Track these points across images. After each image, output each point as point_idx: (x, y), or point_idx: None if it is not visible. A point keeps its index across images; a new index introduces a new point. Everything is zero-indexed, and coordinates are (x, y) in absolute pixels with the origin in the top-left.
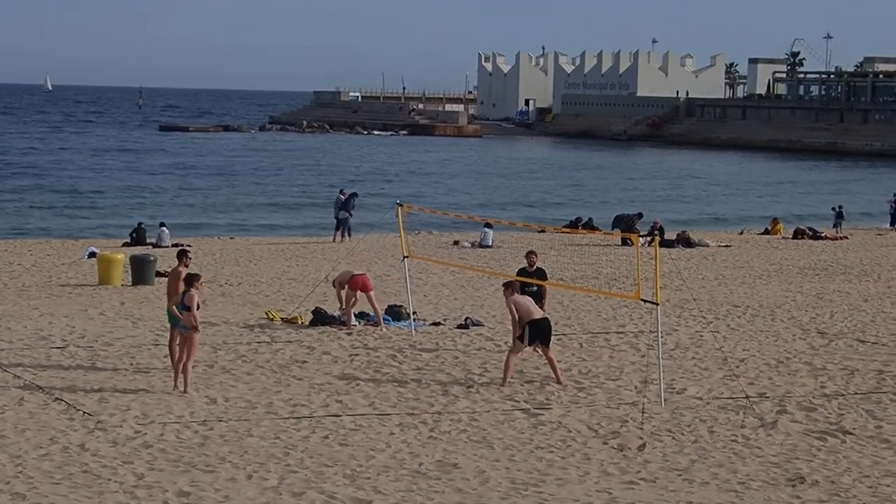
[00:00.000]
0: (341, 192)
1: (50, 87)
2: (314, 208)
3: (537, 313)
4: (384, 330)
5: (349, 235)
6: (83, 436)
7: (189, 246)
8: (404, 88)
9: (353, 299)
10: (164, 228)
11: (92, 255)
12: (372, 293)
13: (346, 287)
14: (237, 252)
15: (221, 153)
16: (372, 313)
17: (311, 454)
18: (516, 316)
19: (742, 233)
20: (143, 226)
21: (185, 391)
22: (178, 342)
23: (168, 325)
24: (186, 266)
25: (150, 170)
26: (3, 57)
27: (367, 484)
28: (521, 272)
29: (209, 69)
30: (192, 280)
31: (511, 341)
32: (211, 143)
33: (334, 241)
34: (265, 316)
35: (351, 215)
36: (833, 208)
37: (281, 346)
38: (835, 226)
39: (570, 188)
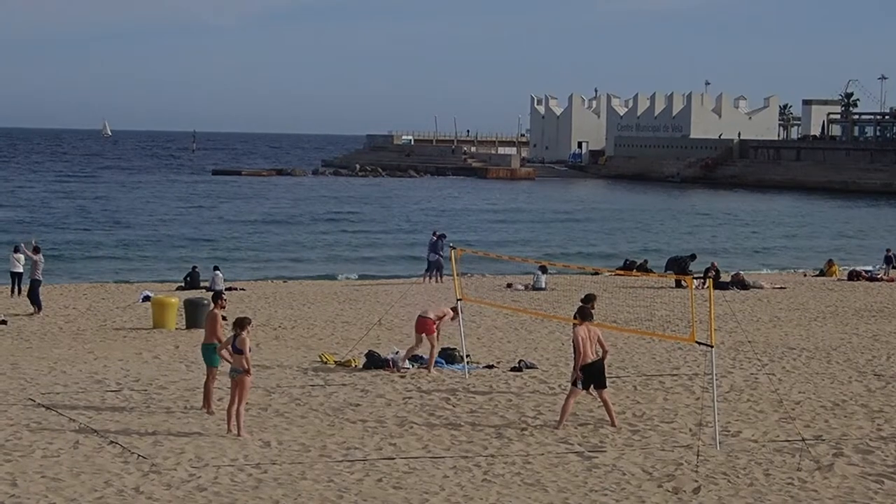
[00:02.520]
0: (434, 233)
1: (109, 133)
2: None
3: (591, 356)
4: (432, 373)
5: (440, 278)
6: (138, 479)
7: (242, 289)
8: (467, 132)
9: (418, 340)
10: (217, 272)
11: (146, 298)
12: (431, 336)
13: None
14: (291, 295)
15: (276, 197)
16: (426, 356)
17: (364, 497)
18: (579, 349)
19: (806, 274)
20: (197, 269)
21: (238, 434)
22: (212, 383)
23: (204, 364)
24: (222, 308)
25: (204, 214)
26: (63, 103)
27: None
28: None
29: (261, 113)
30: (243, 323)
31: (567, 382)
32: (265, 187)
33: (423, 281)
34: (319, 359)
35: (442, 256)
36: (888, 251)
37: (335, 390)
38: (887, 269)
39: (624, 231)
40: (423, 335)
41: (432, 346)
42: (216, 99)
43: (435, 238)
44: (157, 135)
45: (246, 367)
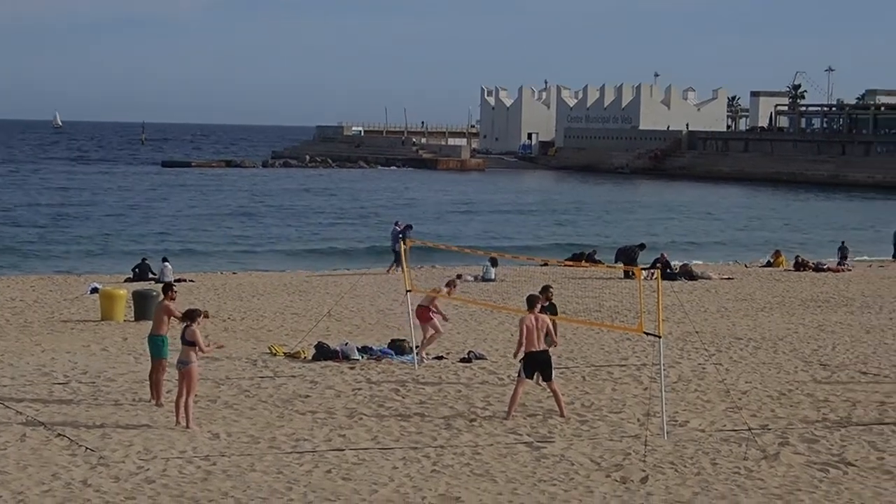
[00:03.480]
0: (396, 223)
1: (60, 123)
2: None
3: (536, 345)
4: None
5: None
6: (85, 472)
7: (191, 280)
8: (422, 123)
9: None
10: (166, 264)
11: (94, 290)
12: (425, 325)
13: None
14: (240, 287)
15: (226, 189)
16: (375, 347)
17: (313, 489)
18: (521, 338)
19: (746, 266)
20: (146, 261)
21: (187, 426)
22: (160, 375)
23: (149, 355)
24: (172, 299)
25: (153, 205)
26: (13, 93)
27: None
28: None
29: (211, 104)
30: (193, 315)
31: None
32: (215, 178)
33: (388, 272)
34: (268, 350)
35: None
36: (843, 242)
37: (284, 381)
38: (839, 263)
39: (575, 223)
40: (424, 324)
41: (429, 332)
42: (167, 90)
43: (399, 229)
44: (108, 126)
45: (195, 358)
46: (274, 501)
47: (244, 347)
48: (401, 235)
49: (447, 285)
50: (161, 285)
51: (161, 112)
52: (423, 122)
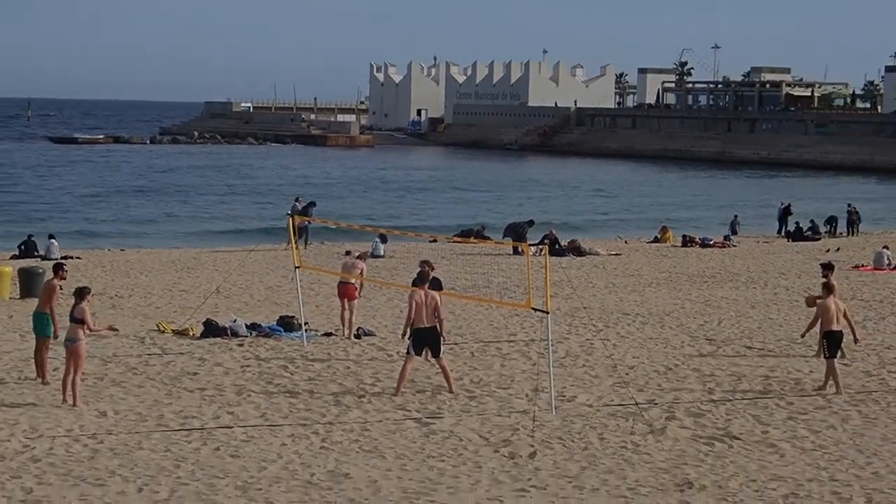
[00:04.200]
0: (297, 200)
1: None
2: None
3: (424, 322)
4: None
5: (306, 244)
6: None
7: (78, 258)
8: (314, 99)
9: (342, 308)
10: (53, 241)
11: None
12: (352, 302)
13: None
14: (128, 264)
15: (113, 166)
16: (264, 323)
17: (202, 466)
18: (410, 314)
19: (626, 241)
20: (32, 238)
21: (74, 404)
22: (45, 353)
23: (34, 334)
24: (62, 279)
25: (40, 182)
26: None
27: (259, 495)
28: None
29: (96, 78)
30: (83, 293)
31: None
32: (101, 155)
33: (305, 248)
34: (156, 328)
35: (309, 223)
36: (735, 217)
37: (172, 358)
38: (727, 237)
39: (464, 200)
40: (347, 300)
41: (351, 312)
42: (51, 65)
43: (300, 205)
44: None
45: (83, 336)
46: (162, 479)
47: (132, 325)
48: (289, 213)
49: (359, 258)
50: (46, 262)
51: (45, 87)
52: (315, 99)
